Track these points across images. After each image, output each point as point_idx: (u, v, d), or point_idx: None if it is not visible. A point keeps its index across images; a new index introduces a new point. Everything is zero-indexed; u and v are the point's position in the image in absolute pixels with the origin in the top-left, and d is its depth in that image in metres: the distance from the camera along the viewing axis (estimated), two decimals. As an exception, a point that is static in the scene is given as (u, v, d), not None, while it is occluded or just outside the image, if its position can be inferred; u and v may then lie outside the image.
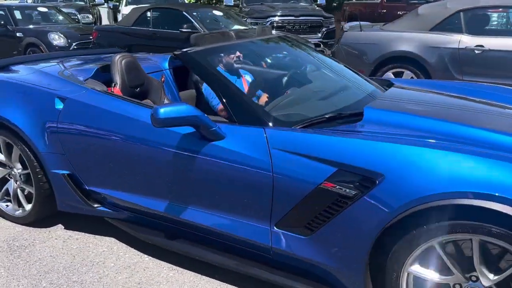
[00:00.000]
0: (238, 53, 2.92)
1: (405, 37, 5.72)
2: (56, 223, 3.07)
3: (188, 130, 2.26)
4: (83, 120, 2.63)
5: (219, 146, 2.18)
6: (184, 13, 7.60)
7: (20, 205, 3.07)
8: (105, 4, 15.40)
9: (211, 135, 2.19)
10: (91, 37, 9.03)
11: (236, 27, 7.99)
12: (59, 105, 2.71)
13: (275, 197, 2.07)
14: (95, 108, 2.61)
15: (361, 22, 6.33)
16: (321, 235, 2.01)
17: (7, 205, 3.14)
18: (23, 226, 3.05)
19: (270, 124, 2.18)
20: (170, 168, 2.36)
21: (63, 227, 3.03)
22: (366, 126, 2.19)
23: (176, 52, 2.55)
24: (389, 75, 5.76)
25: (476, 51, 5.28)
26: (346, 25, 6.63)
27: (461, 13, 5.48)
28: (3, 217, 3.14)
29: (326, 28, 9.41)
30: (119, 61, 3.00)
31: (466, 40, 5.36)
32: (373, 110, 2.33)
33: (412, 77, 5.59)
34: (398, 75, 5.69)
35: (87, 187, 2.76)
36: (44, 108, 2.77)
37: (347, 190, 1.89)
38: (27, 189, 2.99)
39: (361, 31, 6.08)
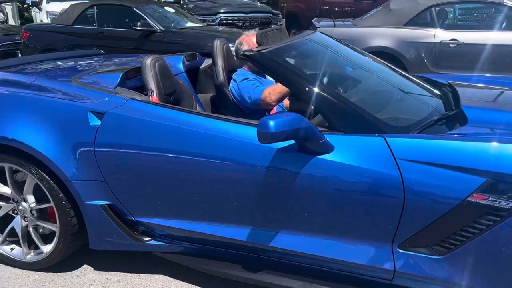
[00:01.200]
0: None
1: (381, 33, 5.73)
2: (79, 264, 2.53)
3: (281, 144, 1.92)
4: (131, 138, 2.16)
5: (329, 161, 1.87)
6: (135, 9, 6.96)
7: (33, 247, 2.48)
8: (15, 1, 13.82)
9: (318, 148, 1.88)
10: (17, 38, 8.00)
11: (190, 24, 7.53)
12: (95, 121, 2.20)
13: (404, 215, 1.82)
14: (147, 122, 2.15)
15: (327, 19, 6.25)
16: (463, 253, 1.79)
17: (12, 249, 2.52)
18: (40, 273, 2.46)
19: (387, 131, 1.91)
20: (255, 190, 2.00)
21: (93, 268, 2.50)
22: (482, 128, 2.03)
23: (247, 53, 2.18)
24: None
25: (451, 45, 5.44)
26: (320, 23, 6.52)
27: (433, 8, 5.61)
28: (8, 264, 2.52)
29: (274, 25, 9.25)
30: (152, 64, 2.52)
31: (441, 35, 5.49)
32: (474, 110, 2.17)
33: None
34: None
35: (134, 218, 2.28)
36: (72, 125, 2.23)
37: (502, 202, 1.70)
38: (44, 226, 2.42)
39: (334, 26, 6.00)
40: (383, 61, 2.76)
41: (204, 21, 8.64)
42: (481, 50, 5.31)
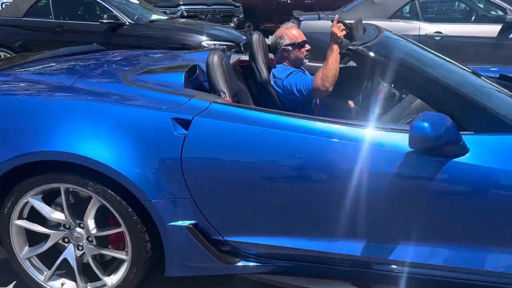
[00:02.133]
0: None
1: (367, 25, 5.71)
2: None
3: (402, 146, 1.74)
4: (223, 148, 1.87)
5: (467, 164, 1.73)
6: (99, 0, 6.38)
7: (92, 279, 2.09)
8: None
9: (456, 150, 1.73)
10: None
11: (155, 16, 7.07)
12: (180, 130, 1.87)
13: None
14: (241, 128, 1.87)
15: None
16: None
17: (62, 284, 2.12)
18: (102, 309, 2.09)
19: None
20: (376, 198, 1.82)
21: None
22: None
23: (351, 47, 1.98)
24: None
25: (436, 38, 5.56)
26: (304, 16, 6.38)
27: (416, 1, 5.70)
28: (58, 302, 2.11)
29: (237, 18, 9.01)
30: (220, 62, 2.23)
31: (425, 27, 5.60)
32: None
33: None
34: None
35: (222, 238, 1.99)
36: (152, 135, 1.89)
37: None
38: (111, 255, 2.06)
39: (319, 19, 5.90)
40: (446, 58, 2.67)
41: (165, 13, 8.17)
42: (464, 42, 5.49)
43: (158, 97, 2.00)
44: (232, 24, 8.85)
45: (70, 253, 2.06)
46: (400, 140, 1.75)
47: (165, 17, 7.21)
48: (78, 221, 2.03)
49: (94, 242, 2.05)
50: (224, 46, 6.26)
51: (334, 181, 1.82)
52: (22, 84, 2.22)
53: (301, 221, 1.92)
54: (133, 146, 1.88)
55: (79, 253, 2.07)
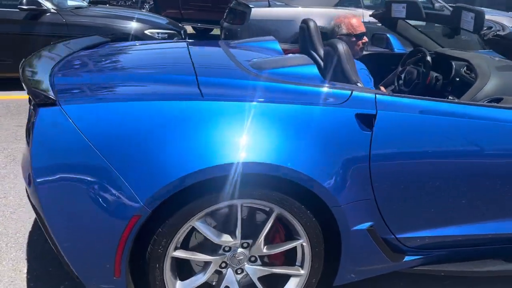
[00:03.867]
0: None
1: (317, 13, 5.85)
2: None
3: None
4: (410, 143, 1.78)
5: None
6: (12, -17, 5.36)
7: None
8: None
9: None
10: None
11: (71, 3, 6.24)
12: (365, 126, 1.73)
13: None
14: (428, 121, 1.80)
15: None
16: None
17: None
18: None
19: None
20: None
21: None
22: None
23: (500, 33, 2.03)
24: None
25: (378, 24, 5.95)
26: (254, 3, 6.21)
27: (358, -10, 6.02)
28: None
29: (148, 4, 8.44)
30: (346, 50, 2.08)
31: (368, 14, 5.95)
32: None
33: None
34: (312, 50, 5.83)
35: (394, 236, 1.91)
36: (335, 134, 1.70)
37: None
38: (286, 272, 1.82)
39: (269, 6, 5.85)
40: None
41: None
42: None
43: (316, 92, 1.81)
44: (144, 10, 8.25)
45: (231, 280, 1.76)
46: None
47: (85, 4, 6.40)
48: (242, 241, 1.75)
49: (259, 261, 1.79)
50: (166, 35, 5.86)
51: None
52: (135, 87, 1.80)
53: (468, 208, 1.94)
54: (317, 148, 1.68)
55: (238, 277, 1.79)
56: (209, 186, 1.59)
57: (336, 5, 5.97)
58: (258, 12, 5.81)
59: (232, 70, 2.01)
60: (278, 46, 2.67)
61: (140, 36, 5.53)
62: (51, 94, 1.57)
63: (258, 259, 1.80)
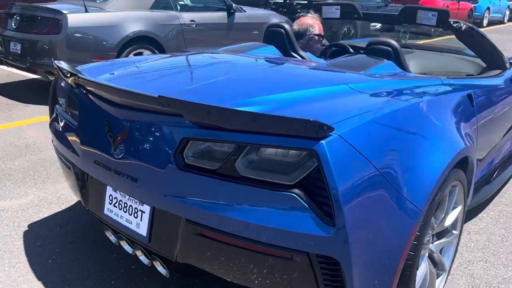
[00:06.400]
0: None
1: (136, 17, 5.54)
2: None
3: None
4: None
5: None
6: None
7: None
8: None
9: None
10: None
11: None
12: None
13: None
14: None
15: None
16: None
17: None
18: None
19: None
20: None
21: None
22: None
23: (464, 26, 2.68)
24: None
25: (193, 25, 6.13)
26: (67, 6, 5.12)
27: (168, -8, 5.98)
28: None
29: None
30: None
31: (184, 16, 6.04)
32: None
33: (151, 56, 5.67)
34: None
35: None
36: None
37: None
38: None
39: (86, 12, 5.15)
40: None
41: None
42: (213, 28, 6.37)
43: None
44: None
45: (421, 271, 1.87)
46: None
47: None
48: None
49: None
50: None
51: None
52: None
53: None
54: None
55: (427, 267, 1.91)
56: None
57: (152, 8, 5.77)
58: (76, 19, 5.02)
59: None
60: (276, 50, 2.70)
61: None
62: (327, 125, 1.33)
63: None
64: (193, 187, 1.51)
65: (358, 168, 1.38)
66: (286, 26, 2.78)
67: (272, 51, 2.65)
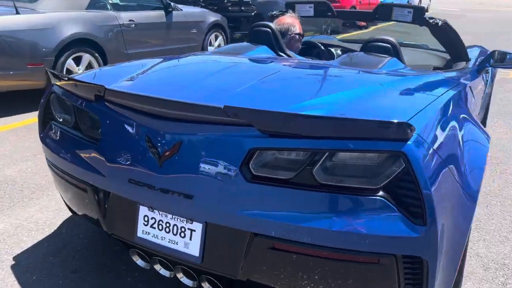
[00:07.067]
0: None
1: (76, 18, 5.15)
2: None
3: None
4: None
5: None
6: None
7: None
8: None
9: None
10: None
11: None
12: None
13: None
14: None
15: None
16: None
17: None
18: None
19: None
20: None
21: None
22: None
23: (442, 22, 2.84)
24: (70, 63, 5.10)
25: (132, 25, 5.83)
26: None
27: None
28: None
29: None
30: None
31: (122, 16, 5.72)
32: None
33: (90, 61, 5.30)
34: (77, 60, 5.17)
35: None
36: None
37: None
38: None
39: (17, 13, 4.65)
40: None
41: None
42: (151, 27, 6.11)
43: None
44: None
45: None
46: None
47: None
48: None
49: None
50: None
51: None
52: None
53: None
54: None
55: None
56: None
57: (88, 8, 5.37)
58: (6, 22, 4.51)
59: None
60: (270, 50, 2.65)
61: None
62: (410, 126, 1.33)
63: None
64: (263, 199, 1.42)
65: (435, 165, 1.39)
66: (272, 25, 2.74)
67: (266, 51, 2.60)
